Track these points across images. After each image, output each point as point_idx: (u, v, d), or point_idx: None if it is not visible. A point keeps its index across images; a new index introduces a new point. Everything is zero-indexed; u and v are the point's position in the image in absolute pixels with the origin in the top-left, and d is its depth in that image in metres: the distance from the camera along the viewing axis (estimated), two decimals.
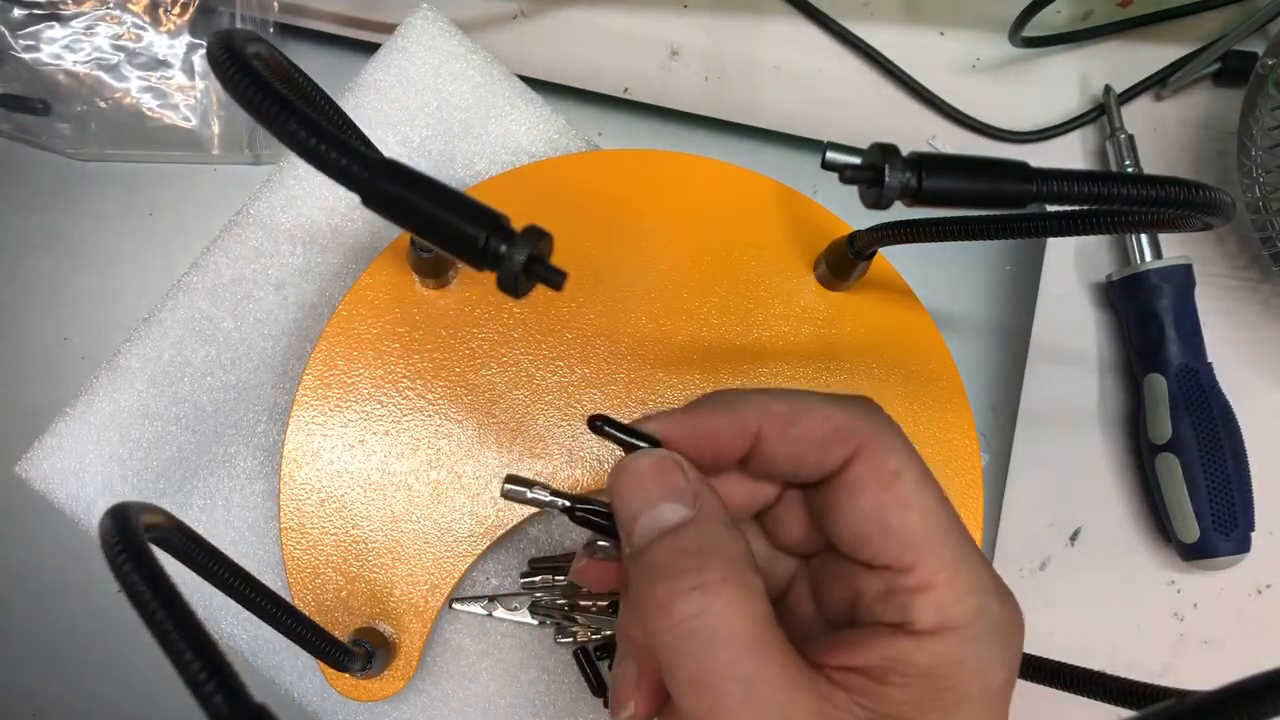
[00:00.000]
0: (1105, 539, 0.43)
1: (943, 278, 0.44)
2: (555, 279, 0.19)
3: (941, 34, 0.46)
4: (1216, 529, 0.40)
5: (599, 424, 0.23)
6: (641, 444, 0.22)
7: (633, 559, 0.21)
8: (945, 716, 0.20)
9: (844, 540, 0.22)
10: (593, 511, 0.24)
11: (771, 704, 0.19)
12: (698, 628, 0.19)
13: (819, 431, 0.22)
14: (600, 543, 0.24)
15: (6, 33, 0.40)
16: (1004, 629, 0.20)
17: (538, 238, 0.19)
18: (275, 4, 0.42)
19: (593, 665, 0.36)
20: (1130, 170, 0.43)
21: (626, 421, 0.23)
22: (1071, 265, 0.44)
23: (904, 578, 0.21)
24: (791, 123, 0.44)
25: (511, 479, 0.24)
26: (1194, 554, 0.40)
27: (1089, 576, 0.43)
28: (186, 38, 0.41)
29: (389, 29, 0.40)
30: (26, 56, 0.40)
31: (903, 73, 0.45)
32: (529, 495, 0.24)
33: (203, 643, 0.15)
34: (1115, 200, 0.23)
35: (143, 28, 0.41)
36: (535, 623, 0.36)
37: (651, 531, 0.21)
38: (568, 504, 0.24)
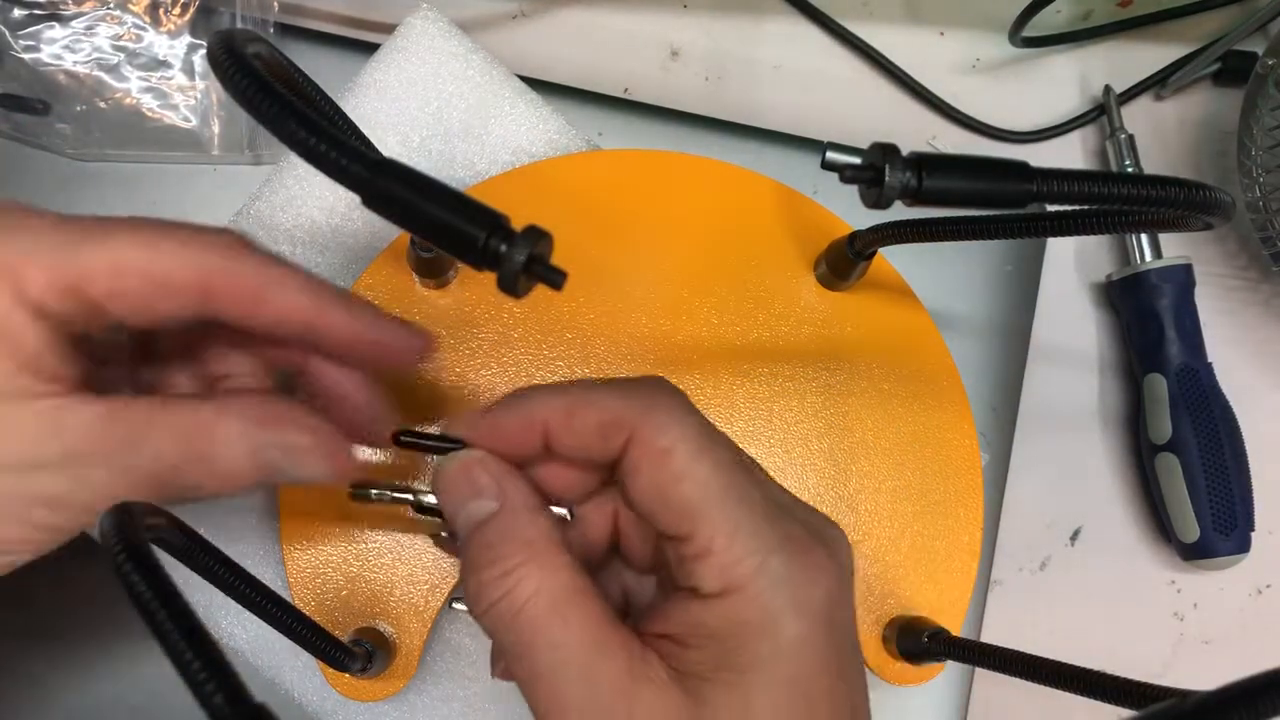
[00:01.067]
0: (1105, 539, 0.43)
1: (943, 278, 0.44)
2: (555, 279, 0.19)
3: (941, 34, 0.46)
4: (1216, 529, 0.40)
5: (400, 438, 0.25)
6: (451, 447, 0.24)
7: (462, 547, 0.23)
8: (738, 675, 0.21)
9: (644, 517, 0.23)
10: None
11: (578, 666, 0.21)
12: (503, 609, 0.21)
13: (594, 421, 0.23)
14: (443, 533, 0.27)
15: (6, 33, 0.40)
16: (791, 584, 0.21)
17: (538, 238, 0.19)
18: (275, 4, 0.42)
19: None
20: (1130, 170, 0.43)
21: None
22: (1071, 265, 0.44)
23: (686, 545, 0.22)
24: (791, 123, 0.44)
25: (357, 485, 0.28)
26: (1194, 554, 0.40)
27: (1089, 576, 0.43)
28: (187, 38, 0.41)
29: (389, 29, 0.40)
30: (27, 56, 0.40)
31: (903, 73, 0.45)
32: (372, 495, 0.28)
33: (203, 643, 0.15)
34: (1115, 200, 0.23)
35: (143, 28, 0.41)
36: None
37: (468, 526, 0.23)
38: (410, 499, 0.27)
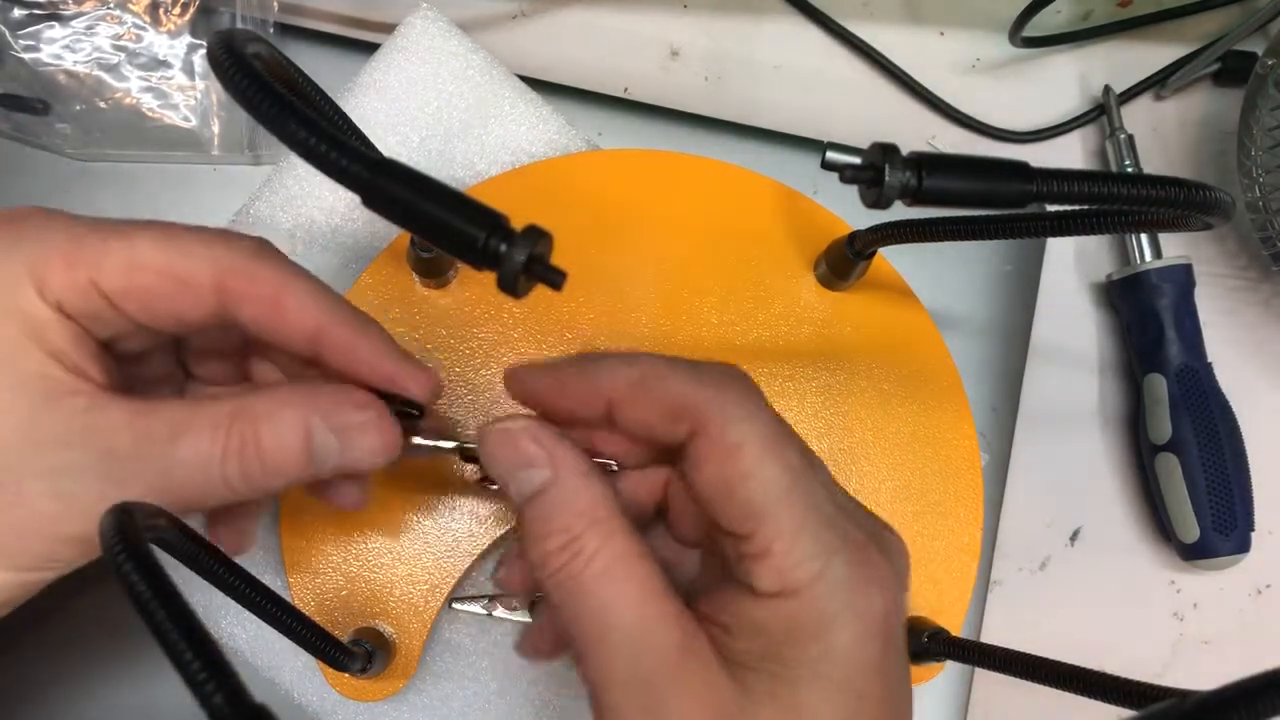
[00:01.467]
0: (1105, 539, 0.43)
1: (943, 278, 0.43)
2: (555, 279, 0.19)
3: (941, 34, 0.46)
4: (1216, 529, 0.40)
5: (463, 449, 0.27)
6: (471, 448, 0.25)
7: (519, 516, 0.23)
8: (788, 671, 0.21)
9: (703, 506, 0.23)
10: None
11: (630, 635, 0.21)
12: (563, 578, 0.22)
13: (663, 404, 0.23)
14: (481, 479, 0.27)
15: (6, 32, 0.40)
16: (849, 590, 0.21)
17: (537, 238, 0.19)
18: (275, 4, 0.42)
19: None
20: (1130, 170, 0.43)
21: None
22: (1071, 265, 0.44)
23: (746, 544, 0.22)
24: (791, 123, 0.44)
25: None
26: (1194, 554, 0.40)
27: (1089, 576, 0.43)
28: (187, 38, 0.41)
29: (389, 29, 0.40)
30: (26, 56, 0.40)
31: (903, 73, 0.45)
32: (414, 443, 0.27)
33: (203, 643, 0.15)
34: (1115, 200, 0.23)
35: (143, 28, 0.41)
36: (534, 622, 0.36)
37: (521, 497, 0.23)
38: (453, 445, 0.27)
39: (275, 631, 0.26)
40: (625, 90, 0.44)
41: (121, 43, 0.41)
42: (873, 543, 0.22)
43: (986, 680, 0.41)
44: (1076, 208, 0.27)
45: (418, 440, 0.27)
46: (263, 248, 0.25)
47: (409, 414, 0.26)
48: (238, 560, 0.25)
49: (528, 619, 0.36)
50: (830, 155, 0.33)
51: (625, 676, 0.21)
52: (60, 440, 0.23)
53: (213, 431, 0.24)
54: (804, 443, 0.23)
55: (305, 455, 0.24)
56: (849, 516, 0.23)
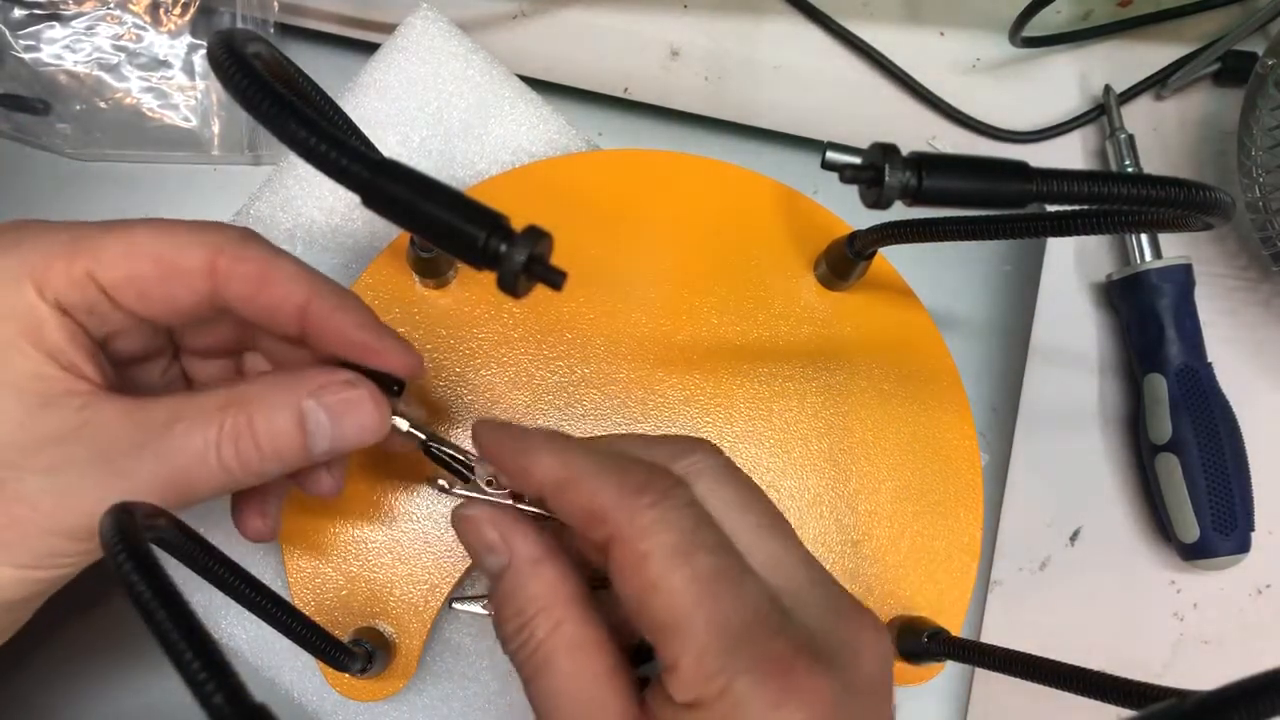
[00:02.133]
0: (1105, 539, 0.43)
1: (943, 278, 0.44)
2: (555, 279, 0.19)
3: (941, 34, 0.46)
4: (1216, 529, 0.40)
5: (429, 448, 0.28)
6: (465, 472, 0.27)
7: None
8: None
9: (625, 608, 0.23)
10: (450, 456, 0.28)
11: (576, 715, 0.22)
12: (520, 655, 0.23)
13: (581, 509, 0.23)
14: (440, 482, 0.29)
15: (7, 32, 0.40)
16: (759, 710, 0.20)
17: (538, 238, 0.19)
18: (275, 4, 0.42)
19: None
20: (1130, 170, 0.43)
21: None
22: (1071, 265, 0.44)
23: (660, 651, 0.21)
24: (791, 123, 0.44)
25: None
26: (1194, 554, 0.40)
27: (1089, 576, 0.43)
28: (187, 38, 0.41)
29: (389, 29, 0.40)
30: (27, 56, 0.40)
31: (903, 73, 0.45)
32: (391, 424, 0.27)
33: (203, 643, 0.15)
34: (1115, 200, 0.23)
35: (143, 28, 0.41)
36: None
37: (489, 576, 0.25)
38: (424, 439, 0.28)
39: (275, 631, 0.26)
40: (625, 90, 0.44)
41: (122, 43, 0.41)
42: (801, 653, 0.21)
43: (986, 680, 0.41)
44: (1076, 208, 0.27)
45: (399, 422, 0.28)
46: (250, 233, 0.26)
47: (390, 390, 0.27)
48: (246, 556, 0.25)
49: None
50: (830, 155, 0.33)
51: None
52: (57, 438, 0.23)
53: (207, 419, 0.24)
54: (722, 542, 0.22)
55: (300, 436, 0.25)
56: (774, 625, 0.21)
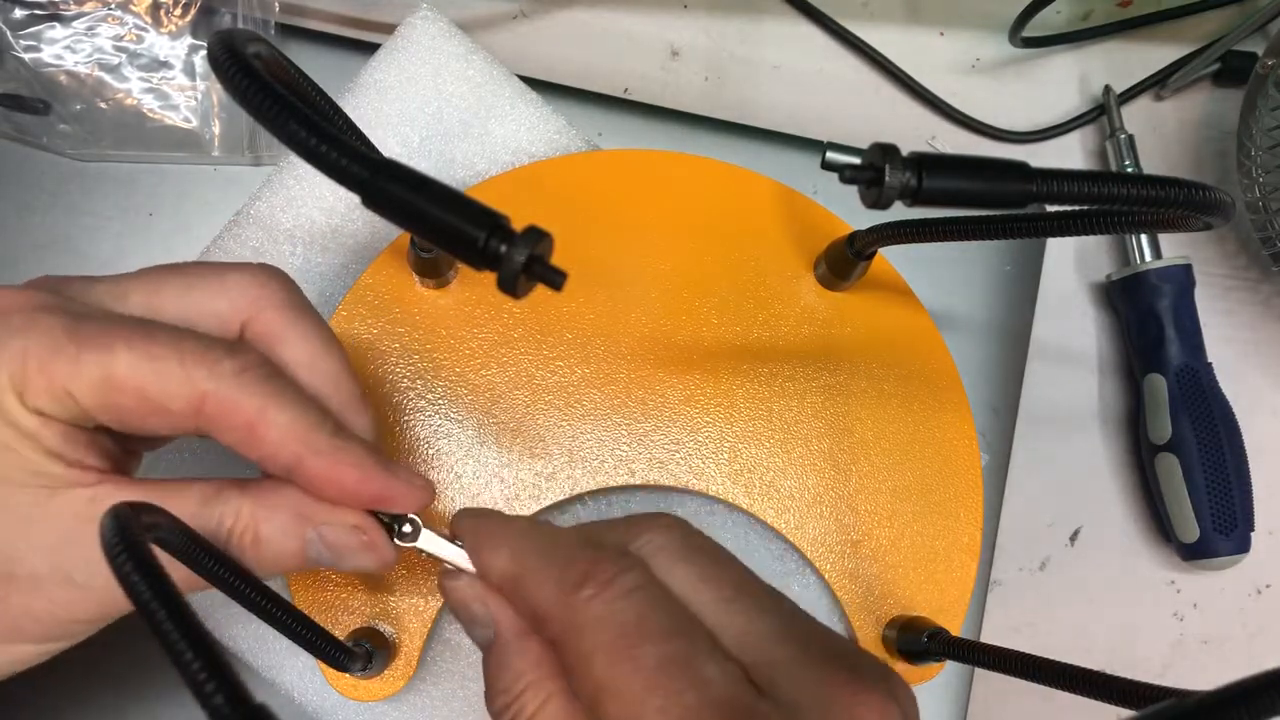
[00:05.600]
0: (1105, 539, 0.43)
1: (943, 278, 0.44)
2: (555, 279, 0.19)
3: (941, 34, 0.46)
4: (1216, 529, 0.40)
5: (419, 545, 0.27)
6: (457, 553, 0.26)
7: None
8: None
9: None
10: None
11: None
12: None
13: (526, 608, 0.23)
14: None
15: (8, 32, 0.40)
16: None
17: (537, 238, 0.19)
18: (276, 4, 0.42)
19: None
20: (1130, 170, 0.43)
21: None
22: (1071, 265, 0.44)
23: None
24: (791, 123, 0.44)
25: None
26: (1194, 554, 0.40)
27: (1089, 576, 0.43)
28: (188, 39, 0.41)
29: (389, 29, 0.40)
30: (27, 56, 0.40)
31: (903, 73, 0.45)
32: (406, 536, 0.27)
33: (203, 643, 0.15)
34: (1115, 200, 0.23)
35: (144, 29, 0.41)
36: None
37: (478, 645, 0.25)
38: (428, 553, 0.27)
39: (275, 631, 0.26)
40: (625, 90, 0.44)
41: (123, 43, 0.41)
42: None
43: (986, 680, 0.41)
44: (1076, 208, 0.27)
45: (403, 544, 0.27)
46: (246, 364, 0.24)
47: (398, 528, 0.26)
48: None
49: None
50: (830, 155, 0.33)
51: None
52: (67, 538, 0.23)
53: (217, 526, 0.24)
54: (677, 623, 0.21)
55: (299, 558, 0.25)
56: (739, 708, 0.20)
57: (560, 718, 0.22)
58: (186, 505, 0.24)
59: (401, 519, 0.27)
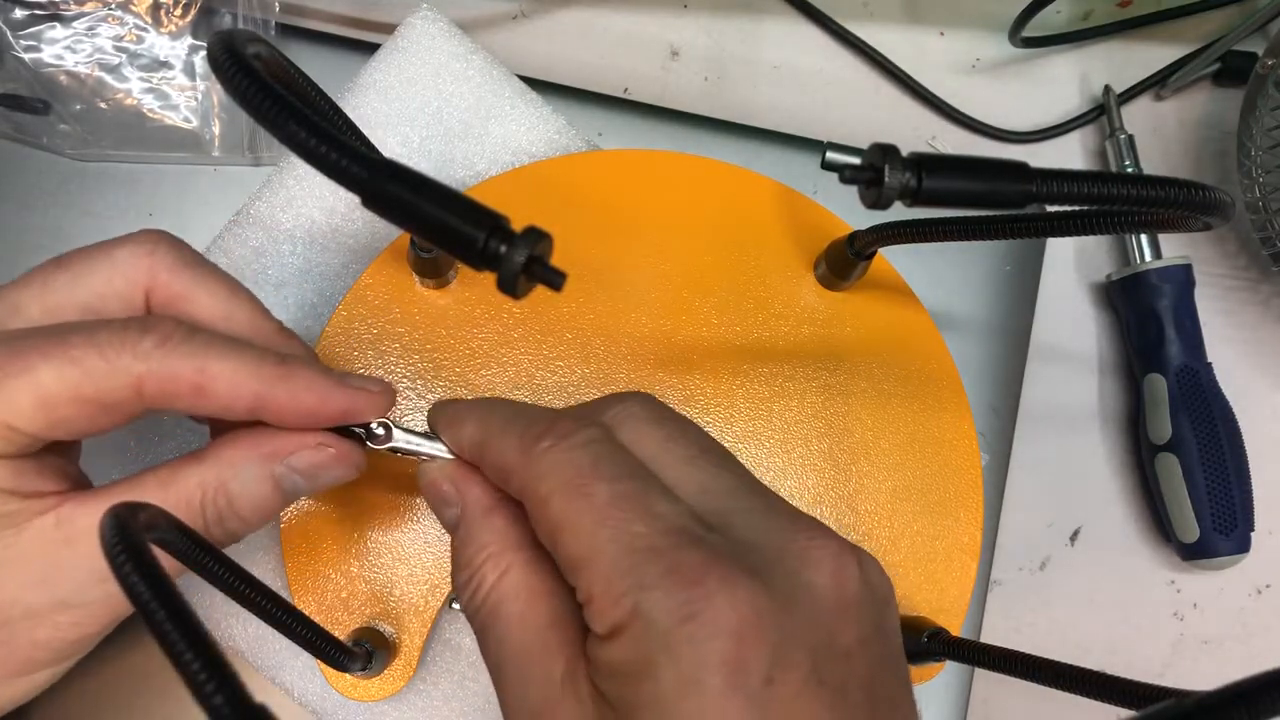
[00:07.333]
0: (1105, 539, 0.43)
1: (943, 278, 0.44)
2: (555, 280, 0.19)
3: (941, 34, 0.46)
4: (1216, 529, 0.40)
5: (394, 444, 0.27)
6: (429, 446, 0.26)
7: None
8: (628, 711, 0.20)
9: None
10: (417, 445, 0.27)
11: (516, 666, 0.22)
12: (470, 605, 0.23)
13: (492, 465, 0.23)
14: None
15: (8, 32, 0.40)
16: (667, 622, 0.19)
17: (537, 238, 0.19)
18: (276, 4, 0.42)
19: None
20: (1130, 170, 0.43)
21: None
22: (1071, 265, 0.44)
23: (577, 592, 0.21)
24: (791, 123, 0.44)
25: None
26: (1194, 554, 0.40)
27: (1089, 576, 0.43)
28: (188, 39, 0.41)
29: (389, 29, 0.40)
30: (28, 56, 0.40)
31: (903, 73, 0.45)
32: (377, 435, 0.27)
33: (203, 643, 0.15)
34: (1115, 200, 0.23)
35: (144, 29, 0.41)
36: None
37: (447, 529, 0.25)
38: (402, 449, 0.27)
39: (275, 631, 0.26)
40: (625, 90, 0.44)
41: (123, 44, 0.41)
42: (720, 564, 0.19)
43: (986, 680, 0.41)
44: (1076, 208, 0.27)
45: (377, 446, 0.27)
46: (166, 333, 0.23)
47: (366, 434, 0.27)
48: (246, 556, 0.25)
49: None
50: (830, 155, 0.33)
51: (517, 706, 0.21)
52: (49, 566, 0.23)
53: (187, 504, 0.24)
54: (630, 465, 0.22)
55: (277, 497, 0.25)
56: (687, 538, 0.20)
57: (520, 587, 0.22)
58: (147, 495, 0.24)
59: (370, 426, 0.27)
